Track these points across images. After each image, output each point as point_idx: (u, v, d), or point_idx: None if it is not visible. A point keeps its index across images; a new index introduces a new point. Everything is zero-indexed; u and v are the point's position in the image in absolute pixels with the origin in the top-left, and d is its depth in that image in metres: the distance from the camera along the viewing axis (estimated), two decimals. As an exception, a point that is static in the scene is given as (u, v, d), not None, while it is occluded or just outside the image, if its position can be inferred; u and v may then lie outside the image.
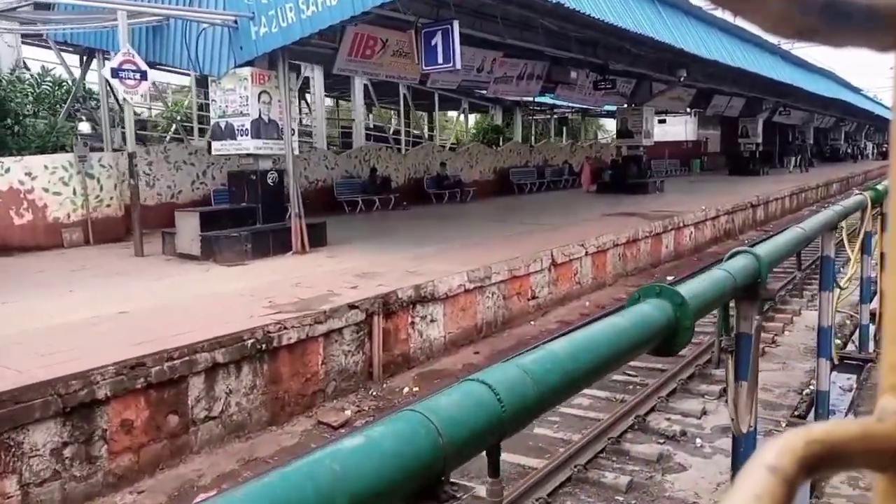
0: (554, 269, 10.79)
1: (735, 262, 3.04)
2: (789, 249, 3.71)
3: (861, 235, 6.25)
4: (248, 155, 10.28)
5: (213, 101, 10.48)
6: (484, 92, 17.04)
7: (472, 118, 33.80)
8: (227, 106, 10.21)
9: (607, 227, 13.18)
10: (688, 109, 31.89)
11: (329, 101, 29.92)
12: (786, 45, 22.02)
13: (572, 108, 32.30)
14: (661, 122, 38.37)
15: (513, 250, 10.58)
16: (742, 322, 3.21)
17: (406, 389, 7.34)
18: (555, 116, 36.13)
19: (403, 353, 7.89)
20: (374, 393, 7.28)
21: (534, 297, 10.40)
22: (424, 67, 9.50)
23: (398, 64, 12.40)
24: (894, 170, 0.49)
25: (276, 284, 8.08)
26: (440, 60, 9.21)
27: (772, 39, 18.07)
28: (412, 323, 8.00)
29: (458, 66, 9.37)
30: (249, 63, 10.07)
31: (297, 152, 10.58)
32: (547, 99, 24.34)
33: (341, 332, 7.03)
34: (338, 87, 25.26)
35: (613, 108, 24.42)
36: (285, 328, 6.39)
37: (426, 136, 29.82)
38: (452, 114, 33.99)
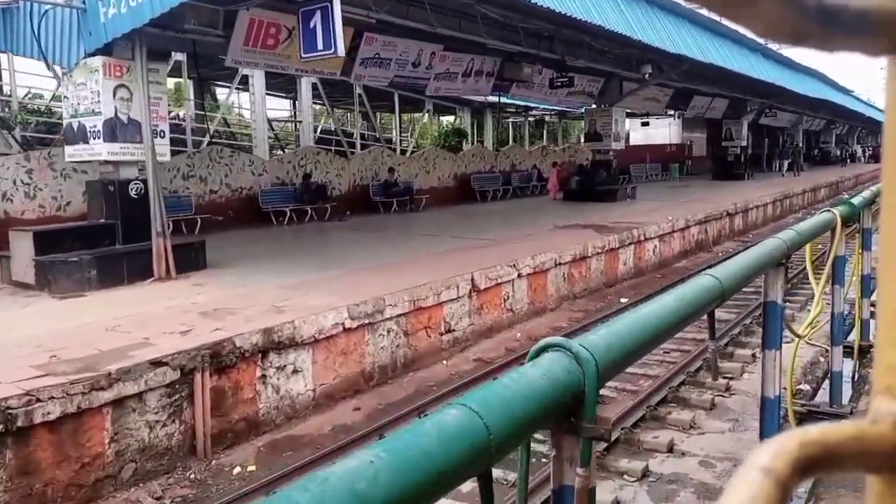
0: (476, 295, 9.12)
1: (533, 371, 1.43)
2: (669, 325, 2.00)
3: (831, 260, 4.67)
4: (106, 162, 8.59)
5: (64, 98, 8.78)
6: (425, 90, 15.32)
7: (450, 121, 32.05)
8: (78, 103, 8.50)
9: (553, 243, 11.52)
10: (670, 111, 30.23)
11: (286, 103, 28.20)
12: (772, 45, 20.41)
13: (550, 109, 30.54)
14: (645, 124, 36.65)
15: (427, 274, 8.92)
16: (564, 468, 1.60)
17: (238, 469, 5.64)
18: (530, 118, 34.32)
19: (248, 416, 6.18)
20: (194, 475, 5.57)
21: (449, 331, 8.73)
22: (303, 55, 7.84)
23: (311, 56, 10.70)
24: (886, 173, 0.50)
25: (89, 327, 6.36)
26: (320, 46, 7.53)
27: (753, 37, 16.48)
28: (263, 377, 6.30)
29: (341, 52, 7.69)
30: (106, 52, 8.38)
31: (166, 158, 8.90)
32: (517, 99, 22.67)
33: (142, 398, 5.33)
34: (291, 86, 23.54)
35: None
36: (39, 401, 4.69)
37: (394, 140, 28.15)
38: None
